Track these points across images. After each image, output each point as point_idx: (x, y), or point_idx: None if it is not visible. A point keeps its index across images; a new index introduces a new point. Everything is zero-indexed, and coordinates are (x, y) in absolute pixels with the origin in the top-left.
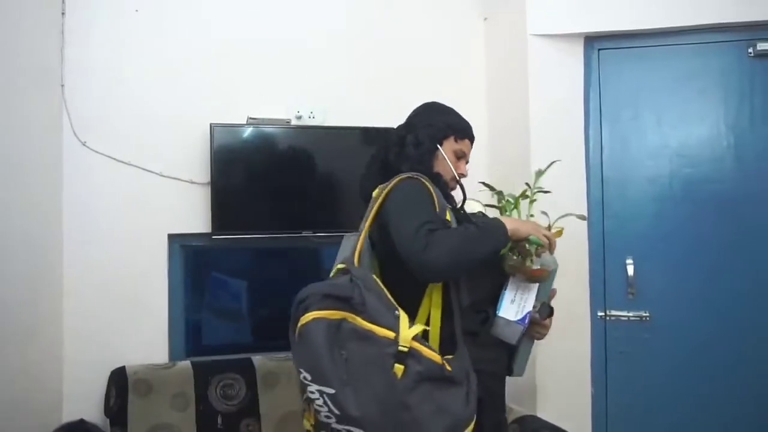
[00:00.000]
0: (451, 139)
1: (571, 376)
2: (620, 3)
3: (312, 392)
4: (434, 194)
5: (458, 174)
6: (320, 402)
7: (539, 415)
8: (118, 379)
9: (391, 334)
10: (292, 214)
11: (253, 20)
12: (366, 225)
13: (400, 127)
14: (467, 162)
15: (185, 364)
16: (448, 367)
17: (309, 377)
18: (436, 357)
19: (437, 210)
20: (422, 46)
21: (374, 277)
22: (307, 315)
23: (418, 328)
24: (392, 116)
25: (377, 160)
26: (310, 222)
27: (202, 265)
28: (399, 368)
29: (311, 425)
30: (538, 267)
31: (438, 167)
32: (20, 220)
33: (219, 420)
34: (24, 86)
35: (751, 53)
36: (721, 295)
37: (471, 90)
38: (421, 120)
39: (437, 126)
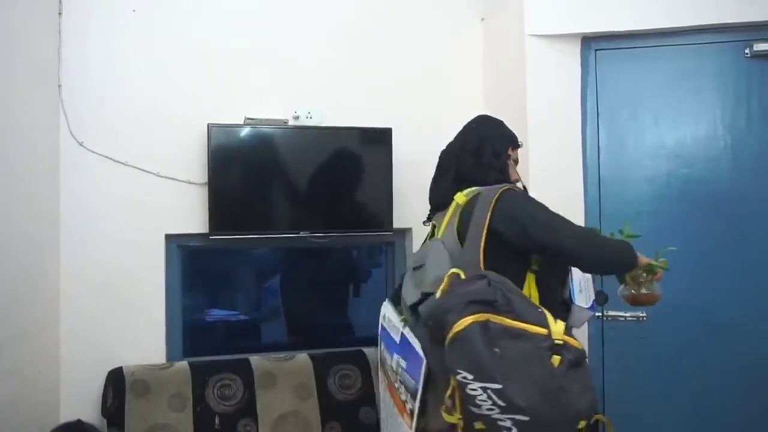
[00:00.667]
0: (510, 148)
1: None
2: (617, 3)
3: (473, 389)
4: None
5: (517, 179)
6: (483, 397)
7: None
8: (116, 380)
9: (543, 331)
10: (290, 214)
11: (251, 20)
12: (483, 232)
13: (467, 138)
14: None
15: (182, 364)
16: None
17: (470, 376)
18: (580, 345)
19: None
20: (420, 47)
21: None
22: (461, 321)
23: (560, 323)
24: (389, 116)
25: (450, 169)
26: (308, 222)
27: (200, 265)
28: (556, 359)
29: (458, 419)
30: (650, 292)
31: (518, 178)
32: (17, 220)
33: (216, 420)
34: (21, 86)
35: (747, 54)
36: (717, 296)
37: (468, 90)
38: (489, 131)
39: (506, 137)
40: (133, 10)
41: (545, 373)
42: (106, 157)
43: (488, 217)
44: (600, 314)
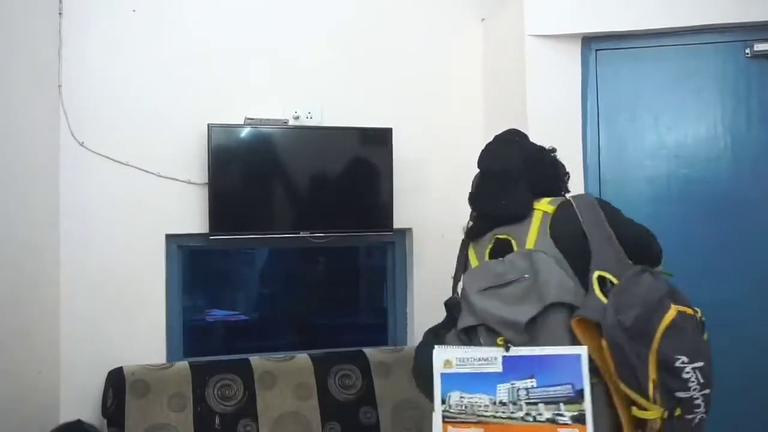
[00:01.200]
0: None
1: None
2: (617, 4)
3: (687, 372)
4: None
5: None
6: (693, 378)
7: None
8: (116, 380)
9: (692, 312)
10: (290, 214)
11: (251, 20)
12: (609, 231)
13: (526, 150)
14: None
15: (183, 364)
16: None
17: (687, 359)
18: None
19: None
20: (420, 47)
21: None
22: (668, 314)
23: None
24: (390, 116)
25: (521, 181)
26: (308, 222)
27: (200, 265)
28: (705, 335)
29: (662, 414)
30: None
31: None
32: (17, 220)
33: (216, 420)
34: (21, 87)
35: (748, 54)
36: (717, 296)
37: (468, 90)
38: (536, 144)
39: (547, 147)
40: (134, 10)
41: (708, 348)
42: (107, 157)
43: (606, 222)
44: None
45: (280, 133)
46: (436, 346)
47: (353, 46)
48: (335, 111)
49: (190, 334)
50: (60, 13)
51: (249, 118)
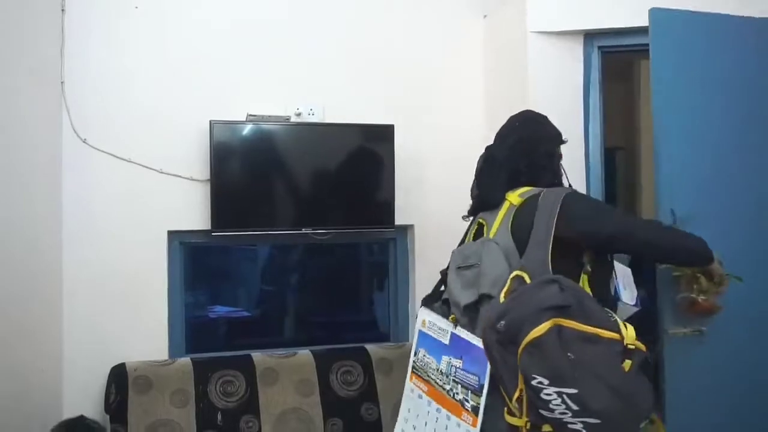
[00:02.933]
0: (560, 146)
1: None
2: (620, 0)
3: (548, 394)
4: None
5: None
6: (558, 402)
7: None
8: (118, 376)
9: (616, 335)
10: (292, 211)
11: (253, 17)
12: (551, 236)
13: (518, 137)
14: None
15: (185, 360)
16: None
17: (546, 381)
18: (644, 348)
19: None
20: (422, 43)
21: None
22: (538, 328)
23: (630, 327)
24: (391, 113)
25: (501, 168)
26: (310, 219)
27: (202, 262)
28: (627, 363)
29: (525, 422)
30: (712, 301)
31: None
32: (19, 217)
33: (219, 416)
34: (23, 83)
35: None
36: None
37: (470, 87)
38: (540, 131)
39: (555, 135)
40: (136, 7)
41: (619, 377)
42: (109, 153)
43: (554, 222)
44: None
45: (282, 130)
46: (422, 307)
47: (355, 44)
48: (337, 108)
49: (193, 330)
50: (62, 10)
51: (251, 115)
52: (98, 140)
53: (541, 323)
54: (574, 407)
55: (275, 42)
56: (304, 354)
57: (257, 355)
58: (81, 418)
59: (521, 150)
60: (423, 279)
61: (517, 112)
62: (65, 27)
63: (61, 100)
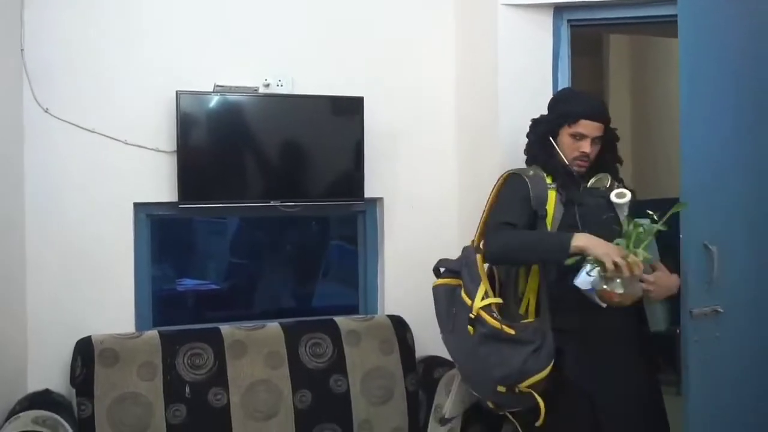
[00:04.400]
0: (565, 126)
1: None
2: None
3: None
4: (530, 190)
5: (579, 153)
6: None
7: None
8: (84, 350)
9: (469, 302)
10: (260, 183)
11: None
12: (485, 212)
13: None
14: (593, 139)
15: (152, 333)
16: (510, 331)
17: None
18: (495, 323)
19: (532, 203)
20: (393, 15)
21: (476, 255)
22: (435, 282)
23: (490, 300)
24: (361, 85)
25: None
26: (279, 191)
27: (169, 234)
28: (470, 329)
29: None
30: (604, 288)
31: (558, 155)
32: None
33: (187, 389)
34: None
35: None
36: None
37: (441, 60)
38: (547, 110)
39: (550, 119)
40: None
41: (466, 339)
42: (72, 124)
43: (490, 199)
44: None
45: (250, 101)
46: None
47: (325, 14)
48: (306, 79)
49: (160, 303)
50: None
51: (218, 86)
52: (61, 110)
53: (439, 278)
54: (451, 354)
55: (244, 11)
56: (273, 326)
57: (226, 328)
58: (46, 392)
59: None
60: (392, 251)
61: (487, 84)
62: None
63: (22, 68)
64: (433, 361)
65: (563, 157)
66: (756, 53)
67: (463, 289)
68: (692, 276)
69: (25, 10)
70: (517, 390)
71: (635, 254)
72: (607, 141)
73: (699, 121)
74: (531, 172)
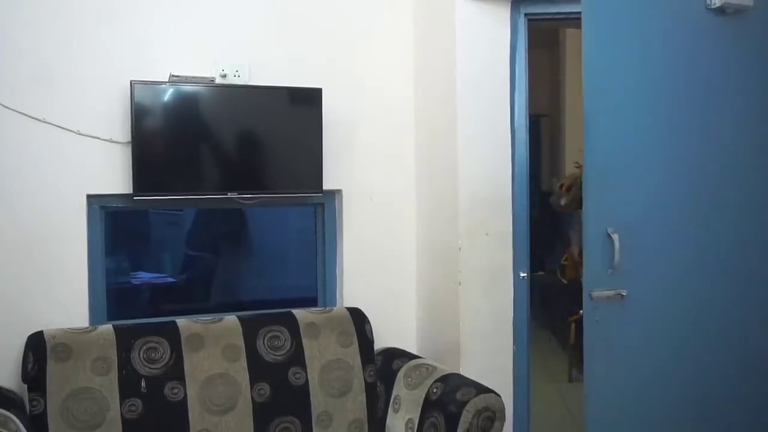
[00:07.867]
0: None
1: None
2: None
3: None
4: None
5: None
6: None
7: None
8: (36, 344)
9: None
10: (217, 175)
11: None
12: None
13: None
14: None
15: (107, 327)
16: None
17: None
18: None
19: None
20: (350, 6)
21: None
22: None
23: None
24: (319, 76)
25: None
26: (235, 183)
27: (124, 227)
28: None
29: None
30: None
31: None
32: None
33: (143, 383)
34: None
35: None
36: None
37: (399, 52)
38: None
39: None
40: None
41: None
42: (22, 113)
43: None
44: (524, 275)
45: (207, 92)
46: None
47: (284, 4)
48: (264, 70)
49: (115, 297)
50: None
51: (174, 76)
52: (9, 99)
53: None
54: None
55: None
56: (231, 319)
57: (182, 321)
58: None
59: None
60: (351, 243)
61: (445, 77)
62: None
63: None
64: (392, 353)
65: None
66: (669, 43)
67: None
68: (593, 261)
69: None
70: None
71: None
72: None
73: (602, 112)
74: None
